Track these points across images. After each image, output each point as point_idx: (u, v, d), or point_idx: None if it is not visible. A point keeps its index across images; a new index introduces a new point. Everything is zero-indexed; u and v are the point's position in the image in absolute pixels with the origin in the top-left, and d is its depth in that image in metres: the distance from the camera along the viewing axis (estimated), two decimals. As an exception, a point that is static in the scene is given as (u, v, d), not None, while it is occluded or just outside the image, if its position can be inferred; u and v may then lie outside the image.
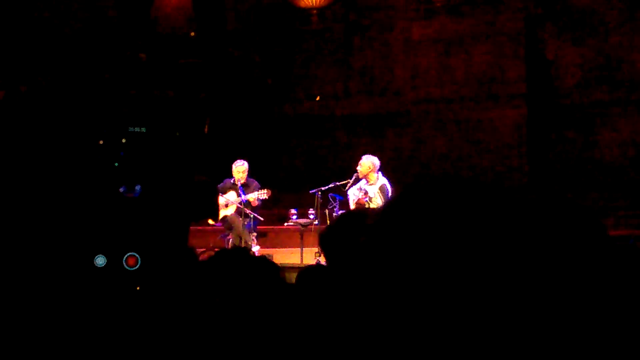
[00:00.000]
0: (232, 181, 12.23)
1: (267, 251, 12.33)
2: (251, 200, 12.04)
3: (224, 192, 12.18)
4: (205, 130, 14.71)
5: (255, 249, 11.97)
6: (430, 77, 15.41)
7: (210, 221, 12.38)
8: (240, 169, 12.23)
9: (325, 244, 3.02)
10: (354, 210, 10.55)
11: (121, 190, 4.47)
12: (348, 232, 2.92)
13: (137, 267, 4.27)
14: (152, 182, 4.56)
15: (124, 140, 4.43)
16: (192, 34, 15.88)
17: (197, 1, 16.05)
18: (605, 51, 14.67)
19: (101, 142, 4.40)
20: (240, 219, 11.97)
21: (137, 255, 4.29)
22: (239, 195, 12.11)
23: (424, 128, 15.49)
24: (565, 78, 14.95)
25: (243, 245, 11.83)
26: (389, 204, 1.61)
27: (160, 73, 14.25)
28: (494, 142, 15.00)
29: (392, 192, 11.37)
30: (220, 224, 12.35)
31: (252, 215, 12.01)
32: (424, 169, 15.16)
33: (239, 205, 12.03)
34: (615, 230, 12.20)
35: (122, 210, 4.44)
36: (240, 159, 12.40)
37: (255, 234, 12.22)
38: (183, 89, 14.37)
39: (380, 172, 11.50)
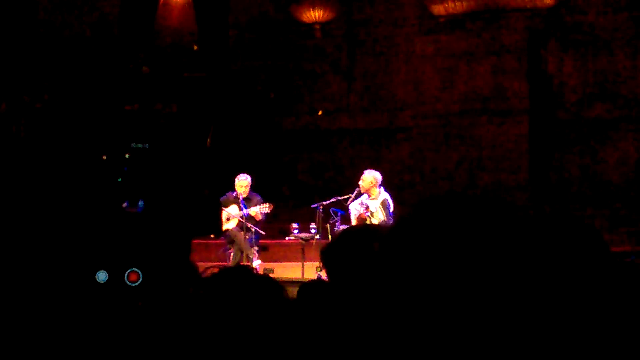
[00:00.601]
0: (234, 194, 12.21)
1: (268, 265, 12.30)
2: (253, 214, 12.02)
3: (226, 206, 12.16)
4: (208, 143, 14.74)
5: (257, 263, 11.95)
6: (432, 92, 15.42)
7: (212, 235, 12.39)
8: (242, 183, 12.21)
9: (327, 259, 3.02)
10: (356, 225, 10.55)
11: (124, 205, 4.47)
12: (350, 247, 2.92)
13: (139, 282, 4.27)
14: (154, 197, 4.57)
15: (127, 156, 4.44)
16: (195, 47, 15.91)
17: (200, 15, 16.09)
18: (607, 68, 14.69)
19: (105, 157, 4.41)
20: (242, 232, 11.95)
21: (138, 271, 4.29)
22: (240, 209, 12.09)
23: (426, 143, 15.49)
24: (567, 94, 14.96)
25: (244, 259, 11.81)
26: (399, 221, 1.61)
27: (163, 86, 14.27)
28: (496, 157, 15.00)
29: (393, 207, 11.37)
30: (222, 237, 12.34)
31: (253, 229, 11.99)
32: (425, 184, 15.16)
33: (241, 219, 12.02)
34: (616, 247, 12.19)
35: (125, 226, 4.44)
36: (243, 173, 12.38)
37: (256, 247, 12.19)
38: (186, 102, 14.38)
39: (382, 187, 11.50)
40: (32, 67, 13.68)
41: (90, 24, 15.09)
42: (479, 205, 1.52)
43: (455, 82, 15.25)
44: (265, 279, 2.52)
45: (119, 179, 3.96)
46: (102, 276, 4.30)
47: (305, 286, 3.13)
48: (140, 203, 4.03)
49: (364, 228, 4.38)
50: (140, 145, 3.97)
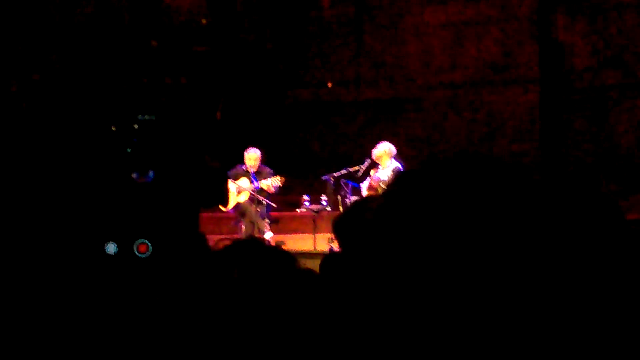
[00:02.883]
0: (244, 168, 12.22)
1: (279, 237, 12.33)
2: (265, 187, 12.04)
3: (236, 179, 12.17)
4: (218, 116, 14.72)
5: (268, 235, 11.98)
6: (442, 62, 15.34)
7: (222, 207, 12.40)
8: (252, 156, 12.22)
9: (339, 231, 3.00)
10: (368, 196, 10.56)
11: (134, 176, 4.46)
12: (362, 218, 2.90)
13: (149, 253, 4.27)
14: (163, 168, 4.56)
15: (136, 127, 4.43)
16: (204, 21, 15.86)
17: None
18: (618, 34, 14.56)
19: (114, 128, 4.40)
20: (253, 205, 11.98)
21: (148, 242, 4.29)
22: (251, 183, 12.10)
23: (437, 113, 15.44)
24: (578, 62, 14.86)
25: (256, 231, 11.84)
26: (394, 181, 1.56)
27: (173, 60, 14.25)
28: (507, 126, 14.94)
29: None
30: (233, 211, 12.36)
31: (264, 202, 12.02)
32: (436, 154, 15.11)
33: (252, 193, 12.03)
34: (628, 215, 12.13)
35: (134, 197, 4.44)
36: (252, 146, 12.39)
37: (268, 220, 12.22)
38: (195, 76, 14.35)
39: (393, 159, 11.54)
40: (40, 42, 13.67)
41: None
42: (487, 166, 1.47)
43: (464, 52, 15.17)
44: (277, 250, 2.52)
45: (129, 150, 3.96)
46: (111, 248, 4.31)
47: (327, 259, 3.09)
48: (150, 174, 4.02)
49: (376, 198, 4.36)
50: (147, 117, 3.94)
